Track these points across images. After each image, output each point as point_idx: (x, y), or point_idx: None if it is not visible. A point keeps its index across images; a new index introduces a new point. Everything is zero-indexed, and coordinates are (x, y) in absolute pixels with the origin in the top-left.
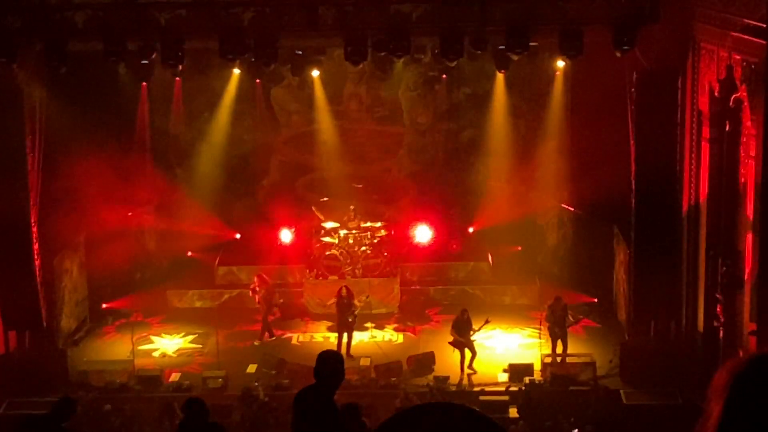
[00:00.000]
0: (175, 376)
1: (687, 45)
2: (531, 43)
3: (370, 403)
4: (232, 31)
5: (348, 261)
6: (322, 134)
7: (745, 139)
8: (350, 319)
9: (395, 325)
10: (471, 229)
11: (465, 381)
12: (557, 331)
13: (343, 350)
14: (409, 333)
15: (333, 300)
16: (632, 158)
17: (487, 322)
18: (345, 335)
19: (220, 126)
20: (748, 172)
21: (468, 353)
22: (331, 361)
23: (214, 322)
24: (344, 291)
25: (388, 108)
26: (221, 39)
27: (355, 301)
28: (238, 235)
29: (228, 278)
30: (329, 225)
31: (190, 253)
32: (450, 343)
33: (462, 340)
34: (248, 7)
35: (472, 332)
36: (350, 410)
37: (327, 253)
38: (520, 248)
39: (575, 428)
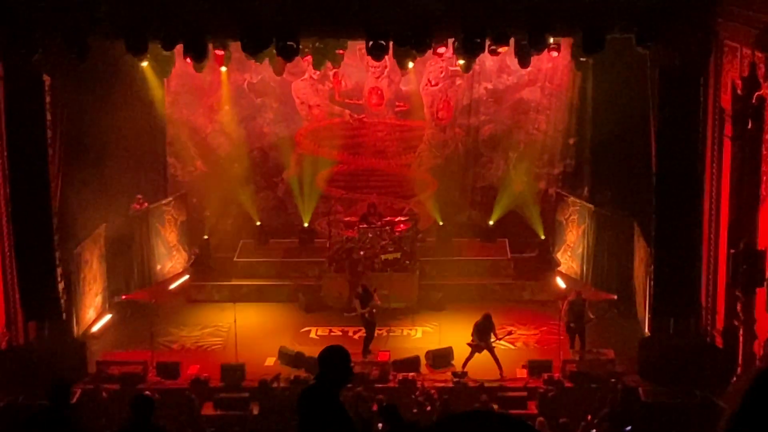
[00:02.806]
0: (193, 368)
1: (710, 42)
2: (552, 40)
3: (388, 398)
4: (254, 25)
5: (367, 255)
6: (342, 128)
7: (767, 137)
8: (367, 315)
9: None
10: (491, 222)
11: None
12: (576, 327)
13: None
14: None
15: (356, 302)
16: (653, 155)
17: (509, 333)
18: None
19: (240, 119)
20: None
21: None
22: (333, 358)
23: (232, 315)
24: (361, 290)
25: (408, 102)
26: (243, 33)
27: (375, 296)
28: (258, 222)
29: (247, 271)
30: (349, 219)
31: (206, 237)
32: (468, 344)
33: (482, 344)
34: (270, 1)
35: (493, 339)
36: (388, 411)
37: (346, 247)
38: (536, 253)
39: (593, 425)
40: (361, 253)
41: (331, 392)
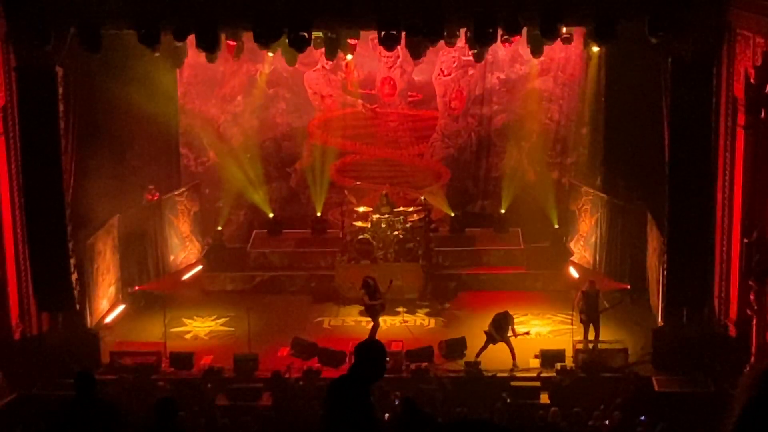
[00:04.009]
0: (206, 359)
1: (723, 31)
2: (564, 29)
3: (401, 388)
4: (267, 16)
5: (380, 245)
6: (354, 118)
7: None
8: (377, 307)
9: (427, 310)
10: (503, 211)
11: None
12: (589, 317)
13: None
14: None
15: (362, 292)
16: (666, 144)
17: (527, 333)
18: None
19: (253, 109)
20: None
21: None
22: (369, 352)
23: (246, 305)
24: (371, 281)
25: (421, 92)
26: (255, 23)
27: (381, 288)
28: (270, 215)
29: (260, 261)
30: (362, 209)
31: (219, 228)
32: (485, 331)
33: (497, 337)
34: None
35: (510, 334)
36: (407, 405)
37: (359, 237)
38: (549, 242)
39: (606, 414)
40: (374, 243)
41: (362, 386)
